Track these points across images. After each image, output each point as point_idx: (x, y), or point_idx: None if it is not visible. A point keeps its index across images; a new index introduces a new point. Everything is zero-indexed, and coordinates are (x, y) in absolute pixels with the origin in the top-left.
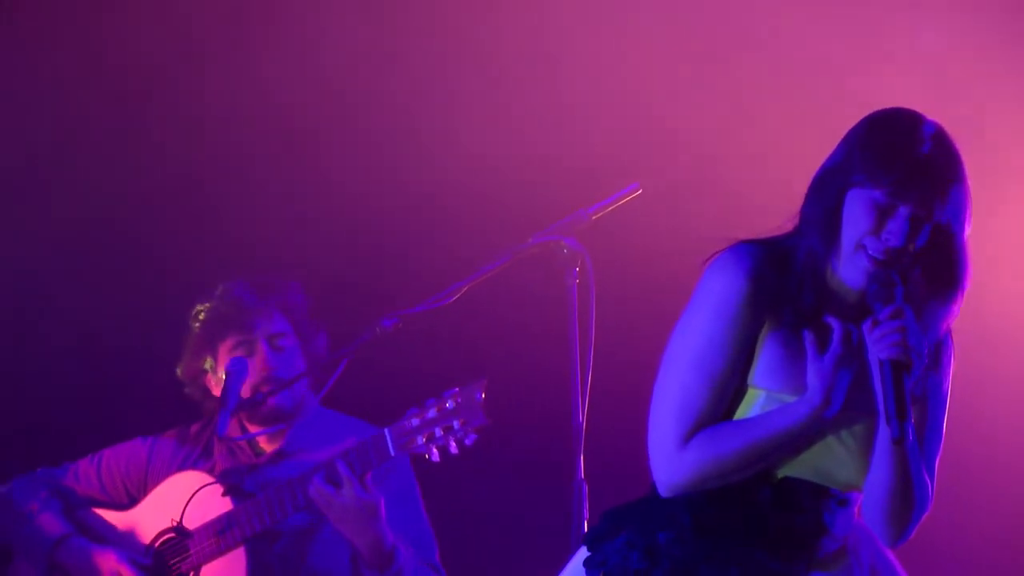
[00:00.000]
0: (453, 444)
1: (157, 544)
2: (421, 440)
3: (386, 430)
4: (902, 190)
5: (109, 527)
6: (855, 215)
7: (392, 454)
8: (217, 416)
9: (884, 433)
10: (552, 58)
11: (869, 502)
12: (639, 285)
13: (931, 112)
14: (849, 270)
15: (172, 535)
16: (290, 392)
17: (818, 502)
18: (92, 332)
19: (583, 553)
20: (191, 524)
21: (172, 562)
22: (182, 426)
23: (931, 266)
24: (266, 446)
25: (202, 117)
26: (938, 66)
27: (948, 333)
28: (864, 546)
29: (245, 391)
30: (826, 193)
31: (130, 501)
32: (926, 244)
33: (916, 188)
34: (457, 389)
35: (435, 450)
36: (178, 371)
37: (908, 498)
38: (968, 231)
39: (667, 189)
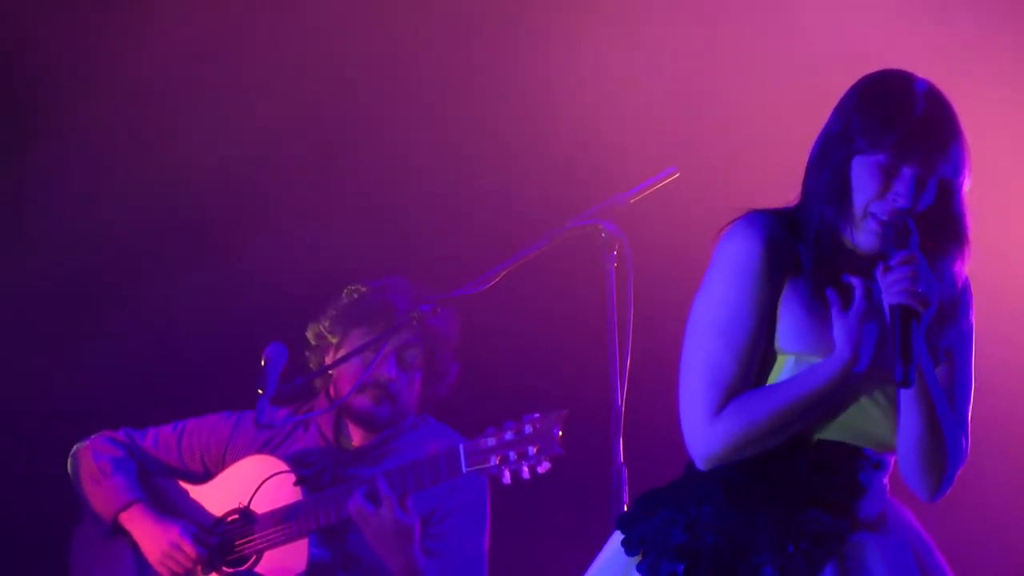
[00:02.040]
0: (526, 469)
1: (223, 523)
2: (495, 461)
3: (460, 446)
4: (904, 151)
5: (180, 497)
6: (861, 182)
7: (464, 471)
8: (257, 402)
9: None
10: (589, 41)
11: (903, 456)
12: (677, 269)
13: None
14: (861, 236)
15: (238, 517)
16: (391, 403)
17: (853, 463)
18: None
19: (617, 536)
20: (260, 509)
21: (236, 544)
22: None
23: (935, 223)
24: (357, 443)
25: (236, 102)
26: (967, 53)
27: (967, 290)
28: (904, 525)
29: (345, 385)
30: (830, 163)
31: (205, 474)
32: (933, 203)
33: (917, 148)
34: (538, 415)
35: (507, 473)
36: (308, 332)
37: (939, 445)
38: (968, 186)
39: (705, 173)
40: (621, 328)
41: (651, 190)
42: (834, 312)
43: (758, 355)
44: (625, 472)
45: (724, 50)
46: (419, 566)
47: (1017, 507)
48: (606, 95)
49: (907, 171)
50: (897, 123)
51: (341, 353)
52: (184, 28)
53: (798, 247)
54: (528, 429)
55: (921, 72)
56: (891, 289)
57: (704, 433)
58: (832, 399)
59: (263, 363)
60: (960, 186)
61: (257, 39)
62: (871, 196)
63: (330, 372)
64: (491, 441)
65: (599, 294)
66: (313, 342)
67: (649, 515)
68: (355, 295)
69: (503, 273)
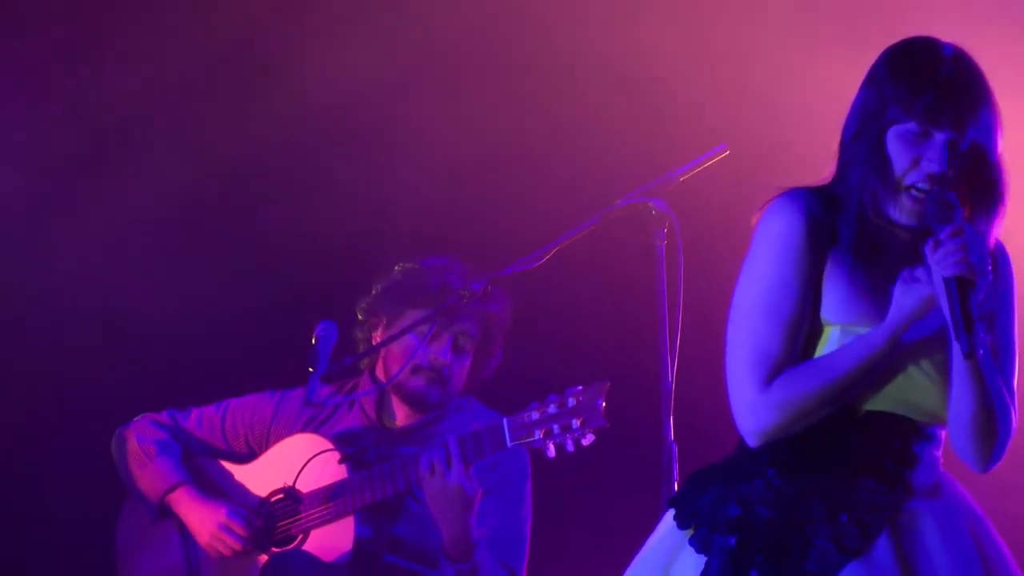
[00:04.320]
0: (570, 442)
1: (269, 503)
2: (539, 434)
3: (504, 420)
4: (933, 115)
5: (224, 478)
6: (896, 153)
7: (508, 445)
8: (308, 381)
9: (957, 353)
10: (639, 18)
11: (955, 426)
12: (727, 246)
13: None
14: (898, 209)
15: (283, 496)
16: (442, 387)
17: (905, 435)
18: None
19: (670, 514)
20: (305, 488)
21: (282, 523)
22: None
23: (970, 186)
24: (401, 422)
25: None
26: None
27: (1005, 255)
28: (957, 495)
29: (394, 364)
30: (867, 136)
31: (249, 454)
32: (968, 166)
33: (947, 111)
34: (580, 387)
35: (551, 446)
36: (358, 308)
37: (990, 416)
38: (1001, 148)
39: (756, 151)
40: (671, 306)
41: (701, 167)
42: (902, 276)
43: (804, 329)
44: (676, 449)
45: (776, 26)
46: (473, 538)
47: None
48: (658, 72)
49: (938, 136)
50: (925, 89)
51: (394, 332)
52: None
53: (837, 222)
54: (571, 402)
55: (979, 42)
56: (944, 262)
57: (754, 408)
58: (881, 368)
59: (314, 341)
60: (992, 149)
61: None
62: (906, 167)
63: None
64: (535, 415)
65: (649, 272)
66: (361, 318)
67: (700, 492)
68: (411, 274)
69: (554, 251)
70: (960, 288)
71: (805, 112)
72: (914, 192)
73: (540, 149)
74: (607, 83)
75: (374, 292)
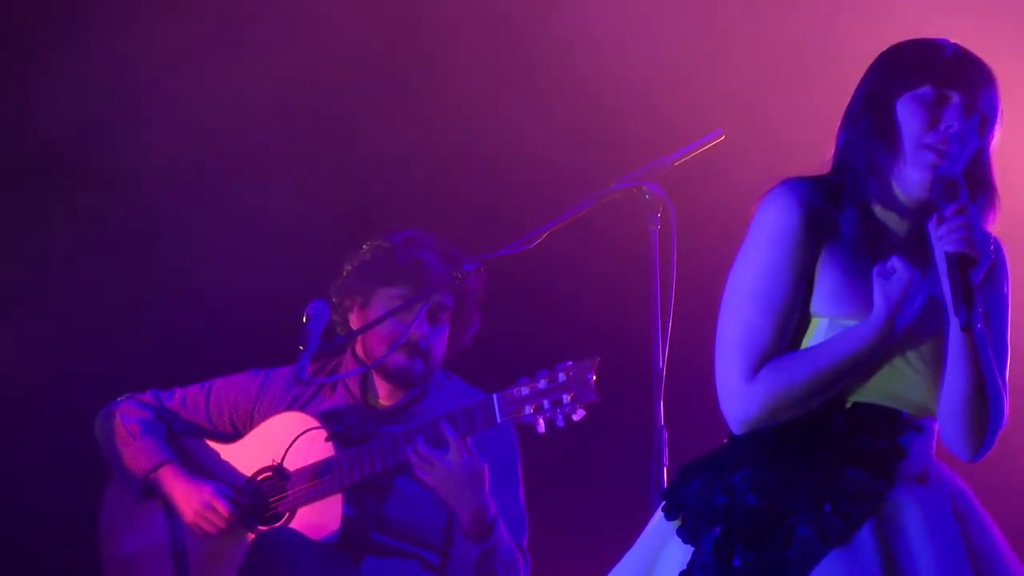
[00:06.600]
0: (560, 418)
1: (256, 481)
2: (529, 410)
3: (494, 396)
4: (947, 78)
5: (210, 457)
6: (912, 117)
7: (498, 421)
8: (299, 359)
9: (954, 328)
10: (635, 1)
11: (947, 412)
12: (721, 232)
13: None
14: (913, 173)
15: (271, 474)
16: (423, 360)
17: (892, 426)
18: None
19: (661, 506)
20: (292, 466)
21: (269, 501)
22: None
23: (968, 180)
24: (384, 401)
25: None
26: None
27: (1001, 255)
28: (945, 480)
29: (376, 344)
30: (871, 110)
31: (234, 433)
32: (979, 132)
33: (960, 75)
34: (570, 363)
35: (541, 422)
36: (332, 289)
37: (983, 400)
38: (996, 138)
39: (750, 136)
40: (664, 290)
41: (696, 152)
42: (875, 271)
43: (795, 319)
44: (666, 434)
45: (772, 12)
46: (490, 511)
47: None
48: (653, 56)
49: (955, 97)
50: (935, 58)
51: (370, 311)
52: None
53: (834, 213)
54: (561, 377)
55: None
56: (947, 238)
57: (741, 396)
58: (870, 362)
59: (305, 319)
60: (990, 132)
61: None
62: (921, 129)
63: (352, 327)
64: (524, 390)
65: (642, 256)
66: (335, 300)
67: (687, 481)
68: (380, 252)
69: (546, 233)
70: (960, 264)
71: (803, 97)
72: (932, 153)
73: (535, 131)
74: (602, 65)
75: (344, 274)
